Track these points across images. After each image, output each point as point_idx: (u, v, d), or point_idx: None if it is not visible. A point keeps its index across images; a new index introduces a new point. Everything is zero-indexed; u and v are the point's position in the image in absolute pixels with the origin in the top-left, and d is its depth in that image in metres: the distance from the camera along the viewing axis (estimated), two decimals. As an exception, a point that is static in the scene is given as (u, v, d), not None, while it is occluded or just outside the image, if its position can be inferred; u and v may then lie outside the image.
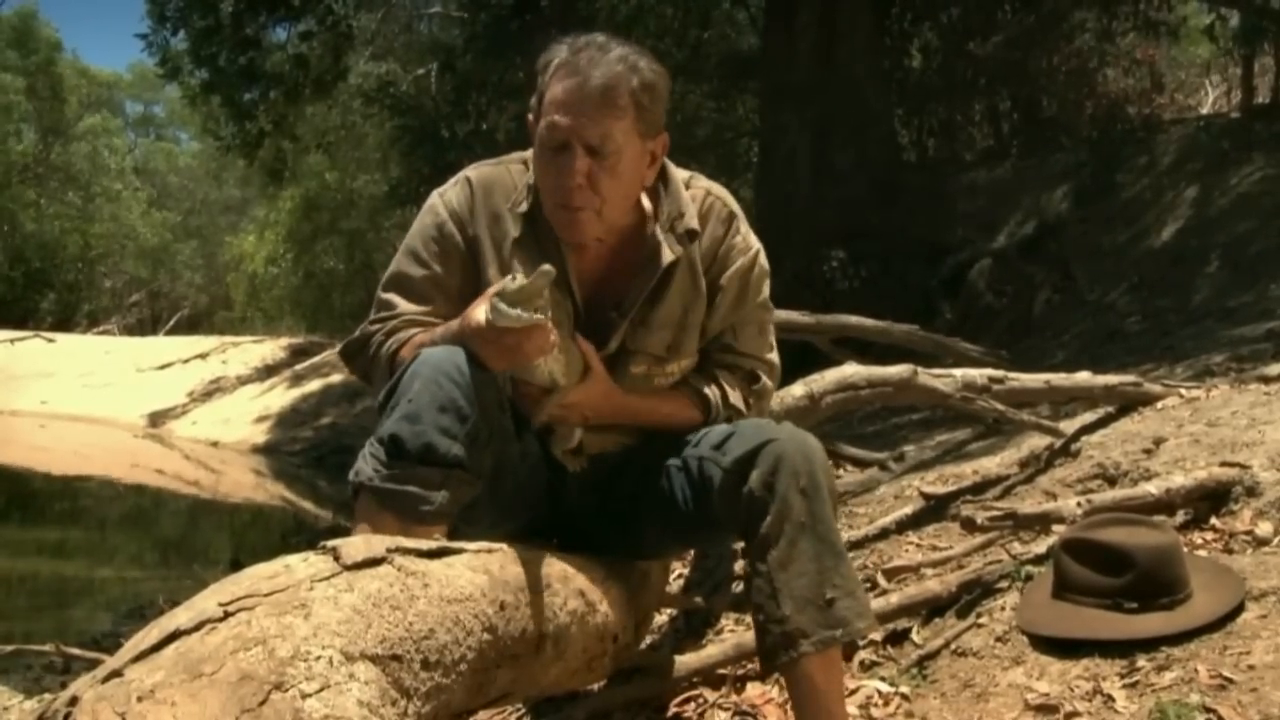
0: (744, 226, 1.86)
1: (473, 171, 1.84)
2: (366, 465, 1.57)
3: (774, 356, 1.92)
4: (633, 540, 1.90)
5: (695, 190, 1.84)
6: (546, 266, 1.50)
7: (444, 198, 1.82)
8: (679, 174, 1.84)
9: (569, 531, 1.88)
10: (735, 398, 1.86)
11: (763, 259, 1.88)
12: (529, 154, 1.81)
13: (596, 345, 1.77)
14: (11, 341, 17.44)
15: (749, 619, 2.47)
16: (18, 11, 26.29)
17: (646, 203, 1.81)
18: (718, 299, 1.83)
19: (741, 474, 1.65)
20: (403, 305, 1.79)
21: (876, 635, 2.19)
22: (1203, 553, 2.16)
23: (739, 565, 2.79)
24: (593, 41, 1.68)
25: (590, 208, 1.69)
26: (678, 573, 2.84)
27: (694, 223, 1.80)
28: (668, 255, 1.77)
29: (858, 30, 8.88)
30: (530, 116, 1.74)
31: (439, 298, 1.79)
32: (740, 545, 2.82)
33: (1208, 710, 1.63)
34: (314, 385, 13.04)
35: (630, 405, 1.81)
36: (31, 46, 26.25)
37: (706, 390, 1.84)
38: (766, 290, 1.89)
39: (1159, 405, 3.30)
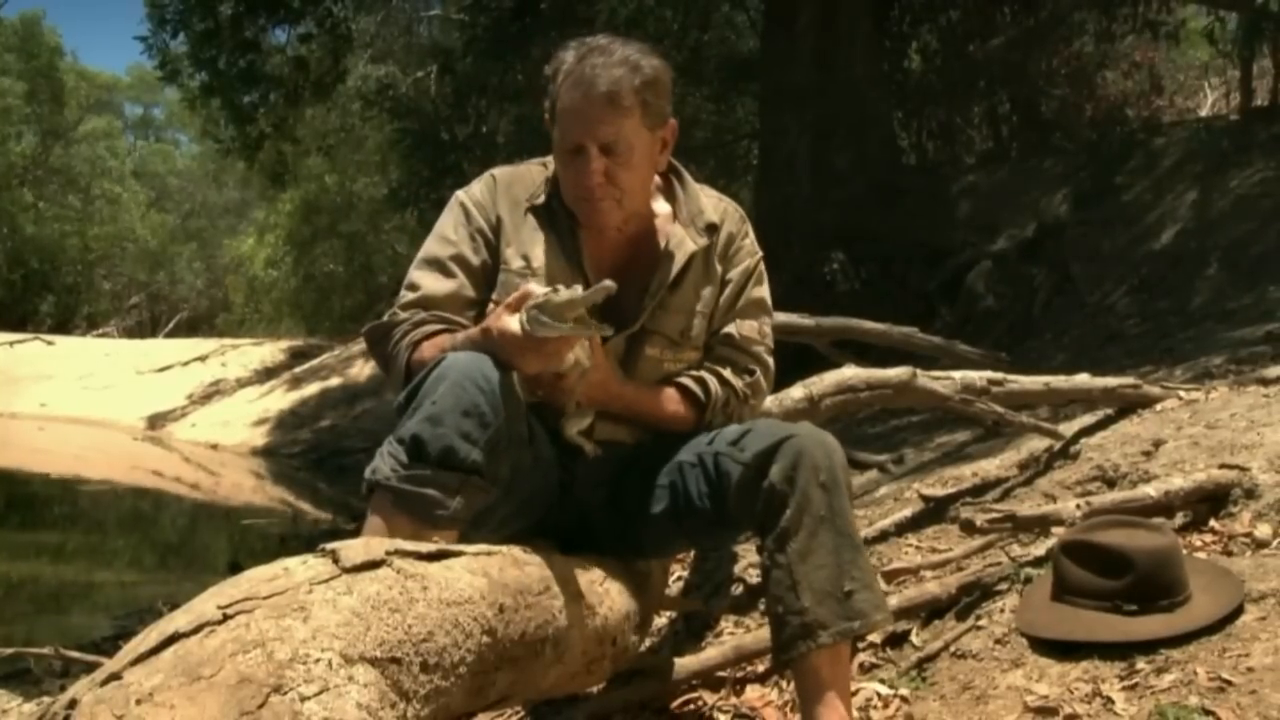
0: (752, 232, 2.01)
1: (495, 170, 1.97)
2: (385, 464, 1.58)
3: (770, 360, 1.99)
4: (639, 538, 1.91)
5: (709, 195, 1.99)
6: (608, 282, 1.57)
7: (468, 191, 1.94)
8: (692, 180, 1.98)
9: (574, 529, 1.89)
10: (733, 380, 1.92)
11: (763, 265, 2.01)
12: (547, 159, 1.94)
13: (615, 328, 1.82)
14: (11, 344, 17.44)
15: (748, 622, 2.49)
16: (22, 17, 26.35)
17: (665, 204, 1.94)
18: (725, 291, 1.94)
19: (761, 468, 1.70)
20: (429, 284, 1.85)
21: (881, 633, 2.19)
22: (1202, 555, 2.16)
23: (738, 568, 2.79)
24: (596, 47, 1.77)
25: (611, 199, 1.80)
26: (677, 575, 2.84)
27: (714, 217, 1.94)
28: (690, 246, 1.90)
29: (857, 33, 8.87)
30: (546, 117, 1.85)
31: (464, 274, 1.86)
32: (741, 547, 2.84)
33: (1207, 712, 1.63)
34: (313, 388, 13.06)
35: (625, 394, 1.86)
36: (33, 50, 26.25)
37: (703, 374, 1.91)
38: (767, 293, 2.00)
39: (1158, 407, 3.30)
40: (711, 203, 1.96)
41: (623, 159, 1.77)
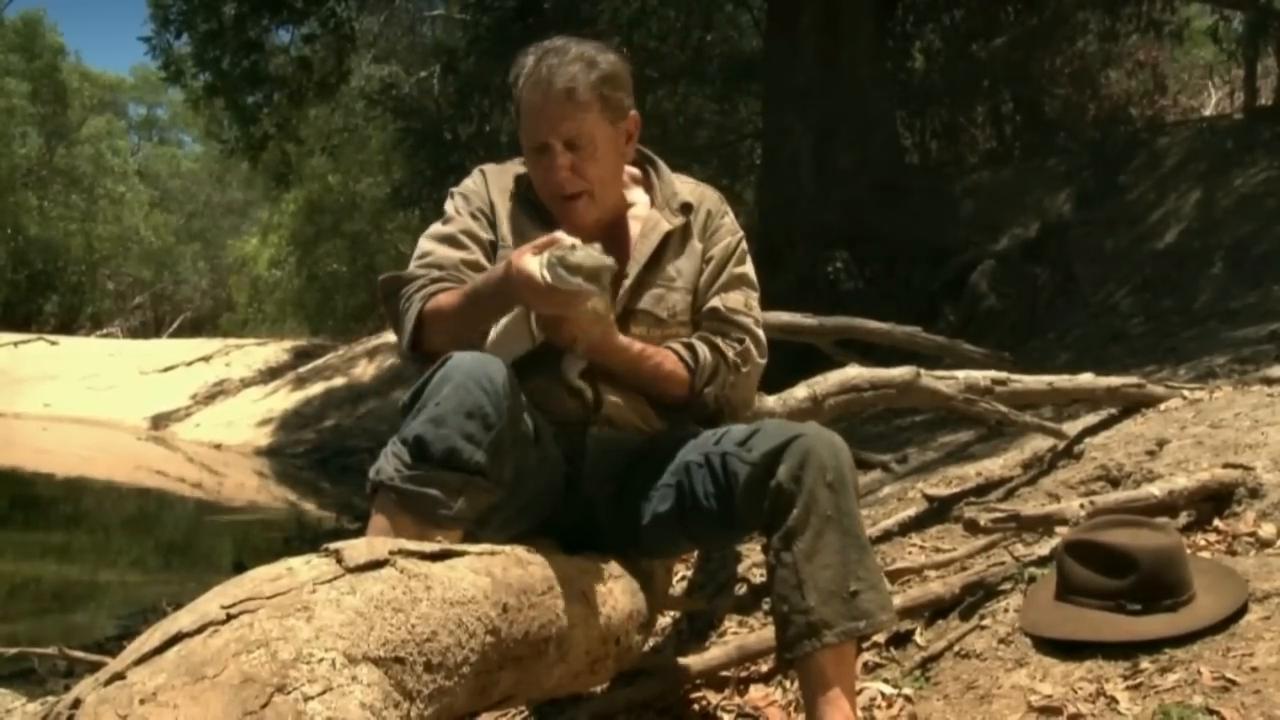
0: (731, 213, 2.06)
1: (482, 166, 2.03)
2: (388, 464, 1.59)
3: (759, 332, 2.01)
4: (643, 537, 1.91)
5: (686, 182, 2.05)
6: (610, 261, 1.64)
7: (462, 185, 2.02)
8: (668, 169, 2.05)
9: (579, 527, 1.90)
10: (723, 347, 1.94)
11: (744, 243, 2.05)
12: None
13: None
14: (15, 344, 17.48)
15: (752, 621, 2.49)
16: (23, 16, 26.36)
17: (643, 195, 2.00)
18: (708, 268, 1.99)
19: (769, 468, 1.70)
20: (441, 251, 1.90)
21: (884, 633, 2.19)
22: (1206, 554, 2.16)
23: (741, 568, 2.79)
24: (552, 48, 1.85)
25: (583, 192, 1.87)
26: (681, 575, 2.84)
27: (689, 198, 2.00)
28: (665, 225, 1.95)
29: (860, 32, 8.86)
30: (515, 121, 1.91)
31: (474, 245, 1.91)
32: (744, 547, 2.84)
33: (1211, 712, 1.62)
34: (317, 388, 13.09)
35: (625, 349, 1.86)
36: (36, 50, 26.28)
37: (693, 341, 1.94)
38: (750, 270, 2.04)
39: (1162, 407, 3.29)
40: (688, 187, 2.02)
41: (586, 153, 1.84)
